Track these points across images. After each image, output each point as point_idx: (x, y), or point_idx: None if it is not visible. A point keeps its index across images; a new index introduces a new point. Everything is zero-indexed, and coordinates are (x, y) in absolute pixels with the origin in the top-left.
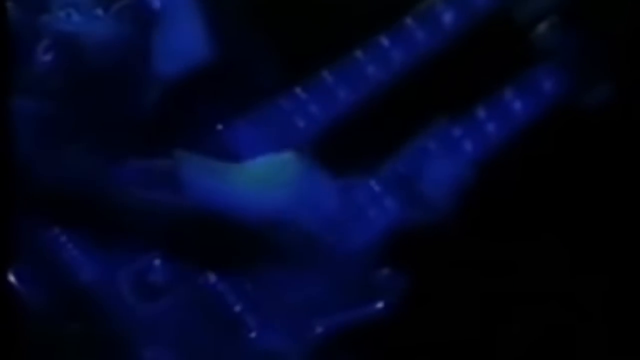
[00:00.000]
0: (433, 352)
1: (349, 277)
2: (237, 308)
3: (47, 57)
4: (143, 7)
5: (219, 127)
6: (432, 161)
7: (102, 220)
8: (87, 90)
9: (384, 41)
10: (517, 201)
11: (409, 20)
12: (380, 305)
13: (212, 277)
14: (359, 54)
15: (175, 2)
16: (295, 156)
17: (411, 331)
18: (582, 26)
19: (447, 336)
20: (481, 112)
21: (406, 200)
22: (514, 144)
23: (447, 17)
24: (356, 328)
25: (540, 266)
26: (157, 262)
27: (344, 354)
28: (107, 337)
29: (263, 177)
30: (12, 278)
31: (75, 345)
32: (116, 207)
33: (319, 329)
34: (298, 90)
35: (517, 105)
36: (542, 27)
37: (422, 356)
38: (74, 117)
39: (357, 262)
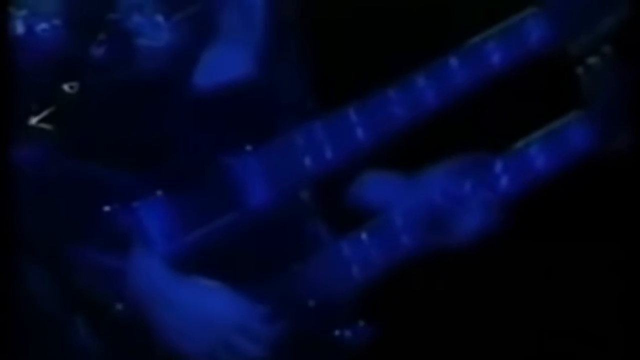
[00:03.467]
0: None
1: (316, 332)
2: None
3: (100, 51)
4: (204, 21)
5: (226, 159)
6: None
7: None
8: (127, 90)
9: (420, 81)
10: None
11: (452, 60)
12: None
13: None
14: (390, 92)
15: (237, 21)
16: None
17: None
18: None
19: None
20: (499, 164)
21: (428, 235)
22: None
23: (496, 58)
24: None
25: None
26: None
27: None
28: None
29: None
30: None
31: None
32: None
33: None
34: (316, 125)
35: (540, 159)
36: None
37: None
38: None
39: (326, 317)
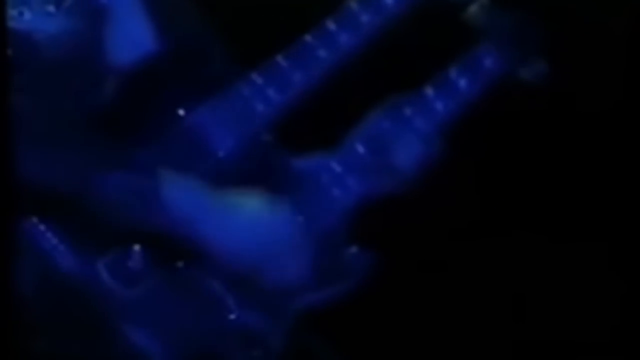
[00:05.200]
0: (401, 329)
1: (320, 257)
2: (216, 291)
3: None
4: (92, 2)
5: (181, 113)
6: (395, 136)
7: (80, 216)
8: (45, 86)
9: (331, 25)
10: (468, 174)
11: (353, 4)
12: (350, 283)
13: (189, 262)
14: (308, 38)
15: None
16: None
17: (380, 310)
18: (512, 5)
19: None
20: (429, 91)
21: (374, 173)
22: (461, 117)
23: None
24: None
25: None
26: (136, 248)
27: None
28: (92, 322)
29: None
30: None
31: (62, 331)
32: (94, 210)
33: (295, 309)
34: (254, 75)
35: (462, 82)
36: (473, 7)
37: (390, 335)
38: (36, 115)
39: (327, 241)
